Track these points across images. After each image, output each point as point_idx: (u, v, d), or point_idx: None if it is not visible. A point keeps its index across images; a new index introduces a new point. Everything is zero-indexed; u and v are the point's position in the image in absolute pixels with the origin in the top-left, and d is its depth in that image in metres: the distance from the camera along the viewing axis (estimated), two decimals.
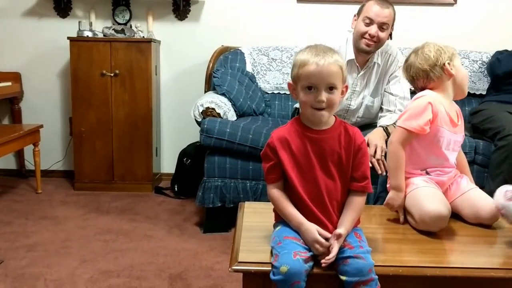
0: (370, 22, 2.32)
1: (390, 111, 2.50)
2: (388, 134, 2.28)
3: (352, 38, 2.44)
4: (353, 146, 1.35)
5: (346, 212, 1.35)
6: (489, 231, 1.60)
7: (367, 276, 1.22)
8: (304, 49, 1.34)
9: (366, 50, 2.38)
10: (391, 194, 1.68)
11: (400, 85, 2.51)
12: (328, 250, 1.27)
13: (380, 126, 2.42)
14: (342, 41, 2.45)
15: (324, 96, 1.29)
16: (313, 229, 1.29)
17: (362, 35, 2.36)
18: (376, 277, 1.24)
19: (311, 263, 1.26)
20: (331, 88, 1.30)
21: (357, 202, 1.36)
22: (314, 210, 1.33)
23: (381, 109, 2.58)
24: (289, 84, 1.38)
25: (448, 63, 1.69)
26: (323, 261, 1.26)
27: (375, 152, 2.23)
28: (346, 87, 1.36)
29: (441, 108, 1.68)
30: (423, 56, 1.71)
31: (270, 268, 1.24)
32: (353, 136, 1.36)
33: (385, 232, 1.58)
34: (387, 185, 1.77)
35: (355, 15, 2.43)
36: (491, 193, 1.72)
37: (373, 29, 2.32)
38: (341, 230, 1.28)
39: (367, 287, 1.23)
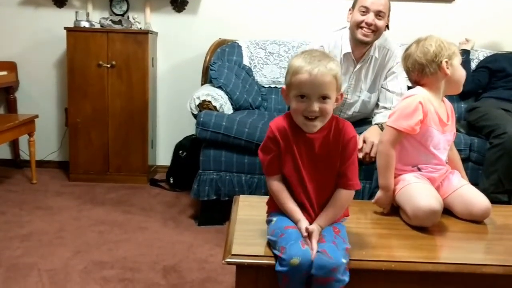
0: (366, 10, 2.32)
1: (386, 107, 2.51)
2: None
3: (348, 33, 2.44)
4: (342, 141, 1.33)
5: (326, 208, 1.34)
6: (481, 227, 1.61)
7: (329, 274, 1.18)
8: (299, 54, 1.31)
9: (365, 40, 2.36)
10: (379, 193, 1.69)
11: (398, 82, 2.51)
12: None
13: (375, 123, 2.43)
14: (337, 37, 2.45)
15: (316, 106, 1.26)
16: (302, 229, 1.28)
17: (358, 25, 2.34)
18: (344, 278, 1.20)
19: None
20: (324, 98, 1.27)
21: (340, 198, 1.35)
22: (304, 202, 1.34)
23: (376, 105, 2.59)
24: (282, 90, 1.35)
25: (446, 62, 1.67)
26: None
27: (371, 149, 2.25)
28: (341, 95, 1.33)
29: (431, 107, 1.67)
30: (423, 49, 1.69)
31: (263, 261, 1.25)
32: (342, 131, 1.34)
33: (378, 227, 1.59)
34: None
35: (350, 9, 2.43)
36: (485, 191, 1.73)
37: (370, 17, 2.31)
38: (312, 226, 1.28)
39: (326, 287, 1.19)
